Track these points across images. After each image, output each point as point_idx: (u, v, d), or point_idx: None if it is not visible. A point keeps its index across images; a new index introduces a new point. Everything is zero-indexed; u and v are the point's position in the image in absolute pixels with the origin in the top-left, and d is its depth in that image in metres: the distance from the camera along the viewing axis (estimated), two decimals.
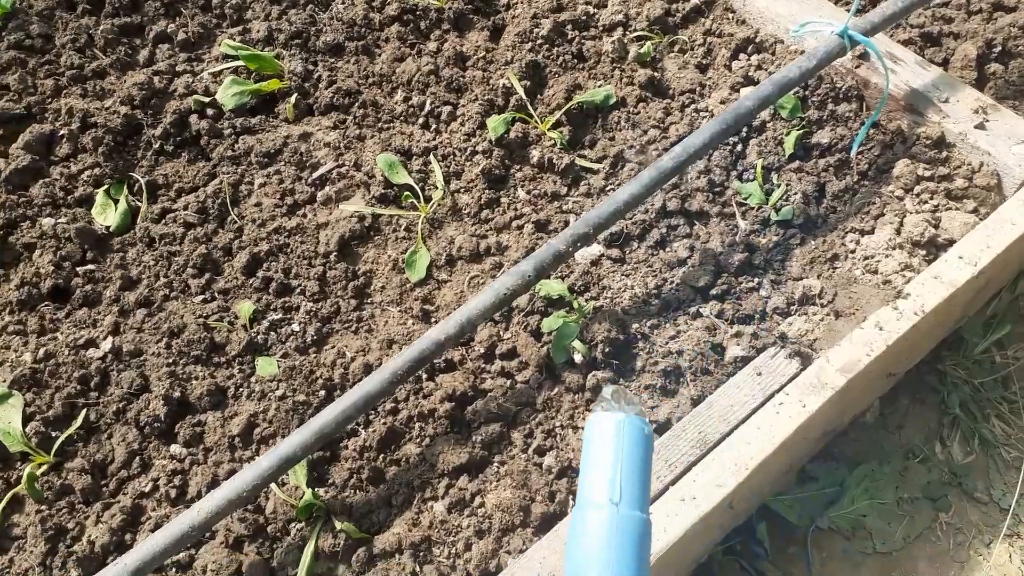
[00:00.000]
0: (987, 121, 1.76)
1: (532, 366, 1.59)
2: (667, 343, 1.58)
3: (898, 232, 1.68)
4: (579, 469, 0.98)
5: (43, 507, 1.50)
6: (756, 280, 1.66)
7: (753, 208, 1.78)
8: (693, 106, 1.96)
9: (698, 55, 2.06)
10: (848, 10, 1.81)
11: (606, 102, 1.97)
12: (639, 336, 1.61)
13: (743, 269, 1.68)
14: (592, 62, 2.06)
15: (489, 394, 1.56)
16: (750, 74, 1.97)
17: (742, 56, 2.03)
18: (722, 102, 1.94)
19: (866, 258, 1.65)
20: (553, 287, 1.63)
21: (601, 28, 2.11)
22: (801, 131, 1.86)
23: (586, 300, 1.66)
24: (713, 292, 1.65)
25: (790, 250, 1.72)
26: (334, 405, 1.37)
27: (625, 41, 2.06)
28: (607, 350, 1.57)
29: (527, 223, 1.80)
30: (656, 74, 2.01)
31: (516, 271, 1.45)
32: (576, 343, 1.57)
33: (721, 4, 2.11)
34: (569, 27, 2.11)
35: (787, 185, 1.80)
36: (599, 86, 2.01)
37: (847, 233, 1.72)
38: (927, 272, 1.55)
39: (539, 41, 2.08)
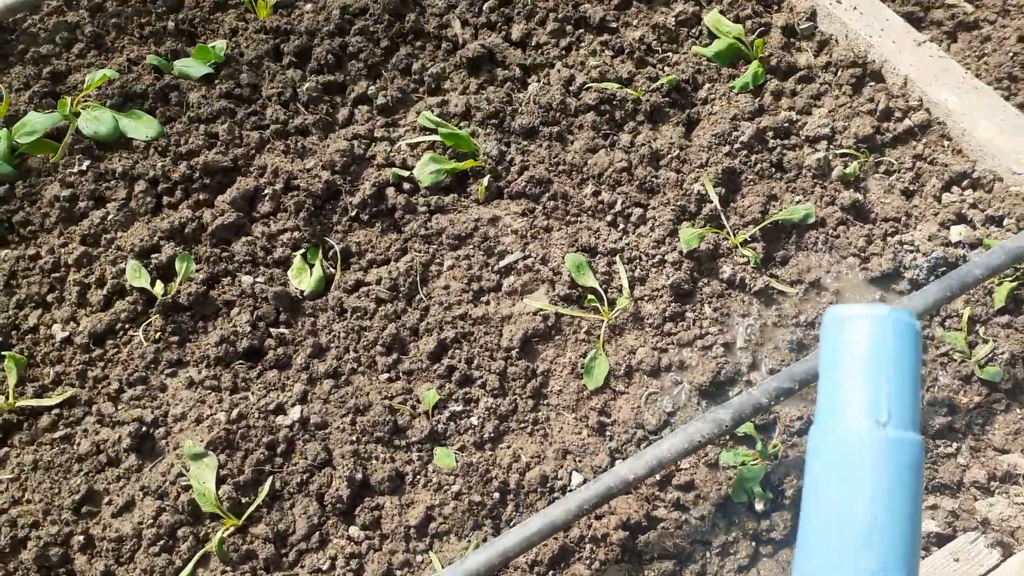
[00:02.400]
0: None
1: (708, 503, 1.64)
2: None
3: None
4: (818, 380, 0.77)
5: (228, 568, 1.65)
6: (955, 445, 1.66)
7: (955, 361, 1.78)
8: (897, 237, 1.96)
9: (905, 180, 2.06)
10: None
11: (804, 220, 2.00)
12: None
13: (941, 431, 1.68)
14: (792, 174, 2.09)
15: (662, 526, 1.62)
16: (963, 211, 1.96)
17: (955, 189, 2.02)
18: (929, 238, 1.94)
19: None
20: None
21: (804, 139, 2.14)
22: (1014, 283, 1.84)
23: (772, 444, 1.70)
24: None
25: (993, 415, 1.71)
26: (521, 528, 1.45)
27: (830, 157, 2.08)
28: (789, 503, 1.61)
29: (714, 344, 1.85)
30: (859, 195, 2.03)
31: (712, 418, 1.51)
32: (758, 488, 1.61)
33: (937, 130, 2.10)
34: (770, 134, 2.15)
35: (994, 341, 1.78)
36: (797, 201, 2.04)
37: None
38: None
39: (737, 146, 2.13)
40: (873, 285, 1.91)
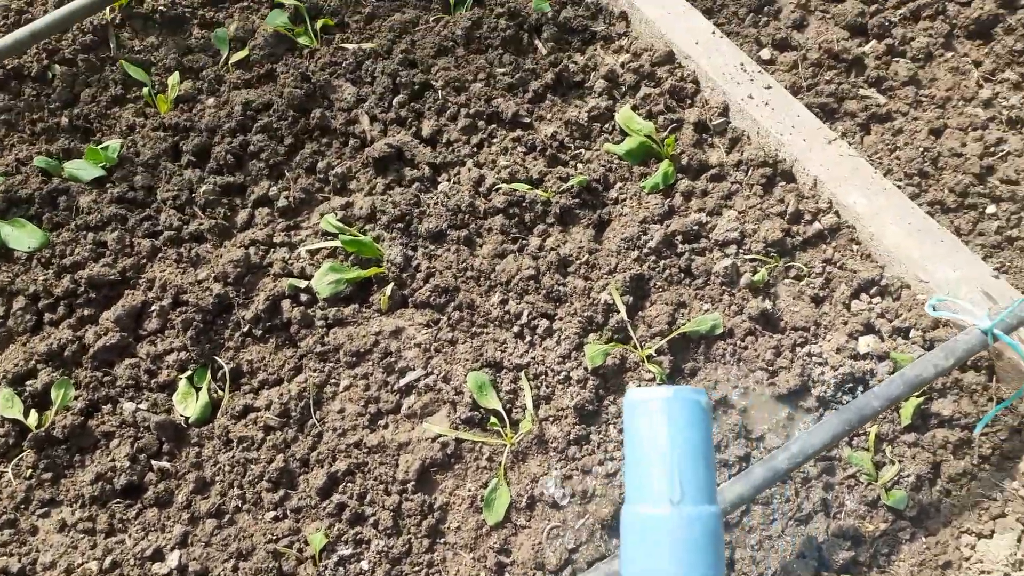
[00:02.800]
0: None
1: None
2: None
3: (1020, 542, 1.60)
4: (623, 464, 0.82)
5: None
6: None
7: (862, 484, 1.73)
8: (806, 348, 1.92)
9: (815, 285, 2.02)
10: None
11: (712, 331, 1.95)
12: None
13: (846, 566, 1.62)
14: (700, 281, 2.05)
15: None
16: (871, 321, 1.93)
17: (863, 296, 1.99)
18: (837, 350, 1.90)
19: (983, 573, 1.57)
20: None
21: (713, 243, 2.10)
22: (920, 398, 1.80)
23: None
24: None
25: (898, 545, 1.66)
26: None
27: (738, 263, 2.05)
28: None
29: (618, 470, 1.78)
30: (768, 304, 1.99)
31: (605, 570, 1.43)
32: None
33: (846, 234, 2.07)
34: (679, 238, 2.11)
35: (900, 462, 1.74)
36: (706, 310, 2.00)
37: (962, 534, 1.65)
38: None
39: (646, 251, 2.08)
40: (781, 402, 1.86)
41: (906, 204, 2.05)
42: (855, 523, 1.69)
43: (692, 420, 0.80)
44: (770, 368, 1.91)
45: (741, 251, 2.08)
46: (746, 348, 1.95)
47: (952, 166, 2.23)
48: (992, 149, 2.25)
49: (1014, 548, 1.60)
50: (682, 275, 2.07)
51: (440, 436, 1.83)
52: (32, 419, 1.88)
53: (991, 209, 2.16)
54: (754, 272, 2.03)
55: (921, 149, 2.26)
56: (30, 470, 1.84)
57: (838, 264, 2.05)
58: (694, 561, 0.75)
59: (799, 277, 2.05)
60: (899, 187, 2.17)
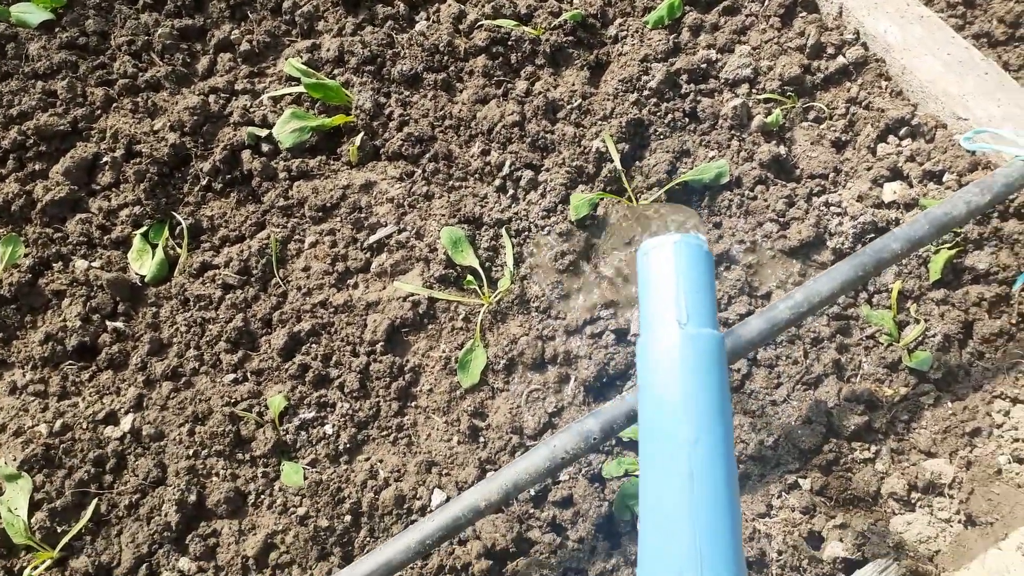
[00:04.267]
0: None
1: (589, 522, 1.45)
2: (753, 521, 1.41)
3: None
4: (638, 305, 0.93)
5: None
6: (873, 448, 1.47)
7: (881, 346, 1.57)
8: (823, 197, 1.73)
9: (837, 128, 1.82)
10: None
11: (717, 180, 1.77)
12: None
13: (858, 432, 1.48)
14: (707, 125, 1.85)
15: (534, 551, 1.44)
16: (899, 165, 1.73)
17: (891, 139, 1.78)
18: (859, 198, 1.71)
19: (1016, 440, 1.43)
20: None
21: (723, 82, 1.89)
22: (953, 250, 1.62)
23: None
24: (817, 459, 1.46)
25: (920, 411, 1.51)
26: (351, 570, 1.27)
27: (750, 104, 1.84)
28: None
29: (604, 331, 1.64)
30: (782, 149, 1.79)
31: (579, 430, 1.30)
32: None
33: (874, 68, 1.85)
34: (684, 78, 1.90)
35: (926, 321, 1.57)
36: (711, 158, 1.81)
37: (994, 399, 1.50)
38: None
39: (646, 93, 1.88)
40: (791, 257, 1.69)
41: (946, 34, 1.81)
42: (871, 387, 1.54)
43: (696, 260, 0.91)
44: (781, 219, 1.73)
45: (754, 91, 1.87)
46: (755, 198, 1.76)
47: None
48: None
49: None
50: (686, 119, 1.87)
51: (412, 295, 1.69)
52: None
53: None
54: (767, 114, 1.83)
55: None
56: None
57: (863, 103, 1.83)
58: (701, 377, 0.84)
59: (819, 119, 1.84)
60: (940, 18, 1.92)
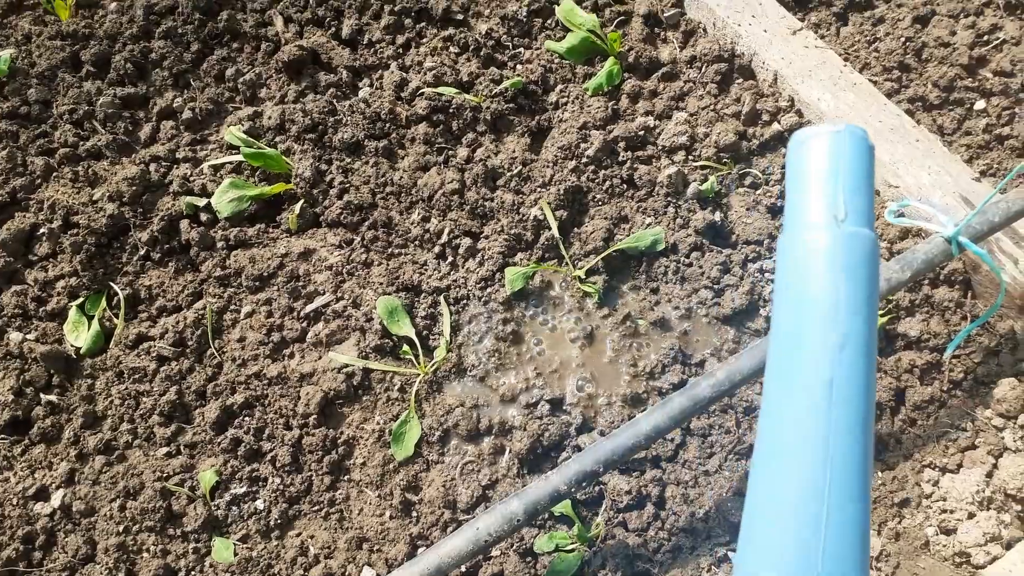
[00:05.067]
0: None
1: None
2: None
3: (989, 477, 1.50)
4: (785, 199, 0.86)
5: None
6: None
7: None
8: (758, 264, 1.79)
9: (772, 194, 1.88)
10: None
11: (653, 247, 1.82)
12: None
13: None
14: (644, 192, 1.91)
15: None
16: None
17: None
18: None
19: (944, 512, 1.47)
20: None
21: (660, 148, 1.96)
22: (885, 317, 1.68)
23: (595, 524, 1.53)
24: None
25: None
26: None
27: (685, 171, 1.90)
28: None
29: (539, 401, 1.68)
30: (717, 216, 1.85)
31: (503, 512, 1.34)
32: None
33: None
34: (622, 145, 1.96)
35: None
36: (648, 225, 1.86)
37: (924, 468, 1.54)
38: (1017, 553, 1.36)
39: (584, 160, 1.94)
40: (726, 324, 1.74)
41: (878, 101, 1.89)
42: None
43: (859, 153, 0.84)
44: (715, 285, 1.78)
45: (690, 157, 1.94)
46: (691, 265, 1.82)
47: (938, 58, 2.06)
48: (985, 37, 2.07)
49: (982, 484, 1.49)
50: (624, 186, 1.93)
51: (347, 366, 1.72)
52: None
53: (980, 105, 1.99)
54: (703, 181, 1.89)
55: (903, 39, 2.08)
56: None
57: None
58: (857, 278, 0.77)
59: (755, 185, 1.91)
60: (875, 83, 2.01)
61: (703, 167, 1.92)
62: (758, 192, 1.90)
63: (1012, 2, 2.12)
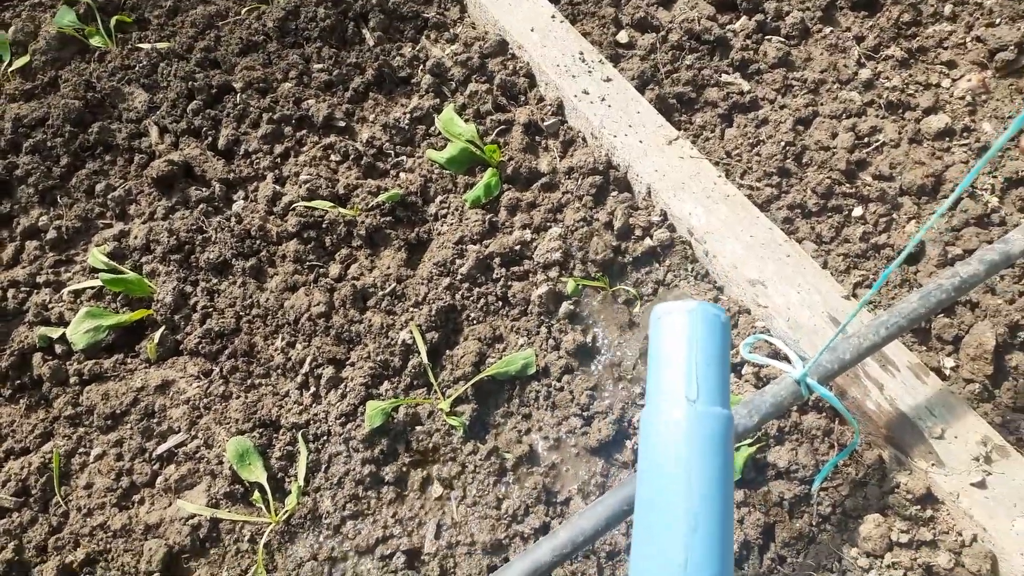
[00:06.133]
0: (989, 475, 1.47)
1: None
2: None
3: None
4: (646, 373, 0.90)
5: None
6: None
7: None
8: (630, 389, 1.71)
9: (646, 312, 1.80)
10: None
11: (524, 371, 1.74)
12: None
13: None
14: (517, 311, 1.83)
15: None
16: None
17: None
18: None
19: None
20: None
21: (536, 264, 1.88)
22: (754, 447, 1.59)
23: None
24: None
25: None
26: None
27: (557, 289, 1.82)
28: None
29: (396, 552, 1.57)
30: (588, 337, 1.77)
31: None
32: None
33: (680, 251, 1.85)
34: (497, 260, 1.88)
35: None
36: (521, 346, 1.78)
37: None
38: None
39: (459, 277, 1.86)
40: (594, 455, 1.65)
41: (751, 213, 1.83)
42: None
43: (712, 331, 0.86)
44: (584, 413, 1.69)
45: (565, 274, 1.86)
46: (562, 389, 1.73)
47: (818, 162, 2.01)
48: (866, 139, 2.03)
49: None
50: (499, 303, 1.85)
51: (195, 515, 1.61)
52: None
53: (858, 212, 1.94)
54: (575, 301, 1.81)
55: (783, 143, 2.03)
56: None
57: (671, 286, 1.83)
58: (707, 457, 0.80)
59: (629, 302, 1.83)
60: (756, 188, 1.95)
61: (577, 284, 1.84)
62: (632, 310, 1.82)
63: (894, 101, 2.08)
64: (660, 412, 0.83)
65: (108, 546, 1.60)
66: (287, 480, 1.66)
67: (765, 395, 1.38)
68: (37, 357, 1.82)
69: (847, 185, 1.96)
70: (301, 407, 1.74)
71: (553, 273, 1.86)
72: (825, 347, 1.32)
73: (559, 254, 1.86)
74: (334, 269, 1.92)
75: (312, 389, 1.77)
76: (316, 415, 1.72)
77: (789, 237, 1.81)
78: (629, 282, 1.85)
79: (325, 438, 1.70)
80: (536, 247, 1.90)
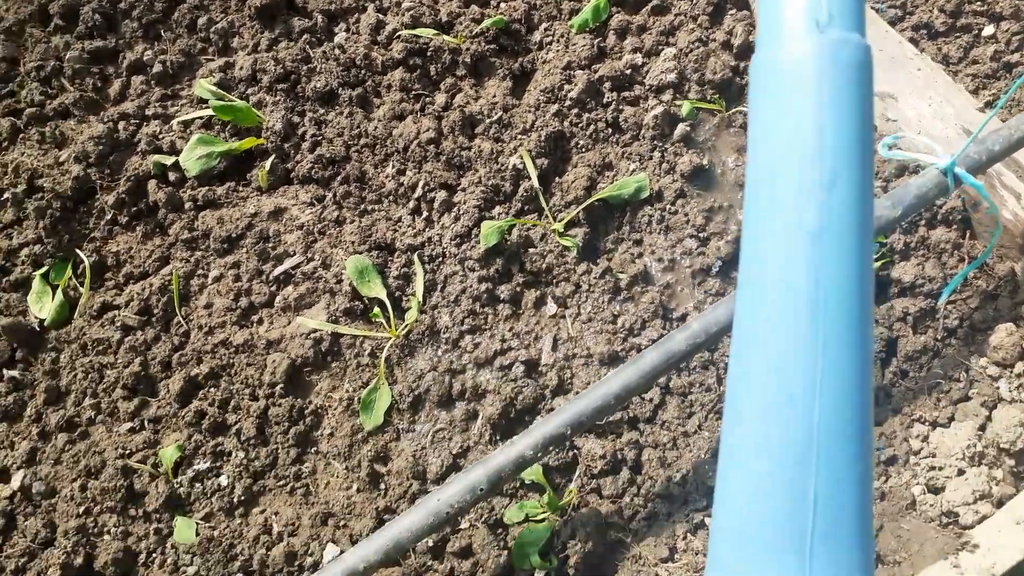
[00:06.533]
0: None
1: (488, 574, 1.39)
2: (655, 566, 1.34)
3: (982, 431, 1.36)
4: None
5: None
6: None
7: None
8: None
9: None
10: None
11: (637, 195, 1.69)
12: (623, 550, 1.38)
13: None
14: (629, 136, 1.77)
15: None
16: None
17: None
18: None
19: (932, 469, 1.35)
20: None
21: (647, 88, 1.80)
22: (879, 262, 1.53)
23: (568, 492, 1.43)
24: None
25: None
26: None
27: (672, 112, 1.75)
28: (579, 570, 1.36)
29: (514, 363, 1.57)
30: (705, 160, 1.70)
31: (465, 482, 1.24)
32: (536, 557, 1.36)
33: None
34: (608, 85, 1.81)
35: None
36: (632, 171, 1.72)
37: (913, 422, 1.41)
38: (1006, 513, 1.24)
39: (567, 103, 1.80)
40: (710, 276, 1.61)
41: (879, 27, 1.71)
42: None
43: None
44: (700, 235, 1.64)
45: (679, 96, 1.78)
46: (676, 213, 1.68)
47: None
48: None
49: (973, 439, 1.36)
50: (609, 130, 1.79)
51: (316, 331, 1.63)
52: None
53: (988, 31, 1.80)
54: (691, 122, 1.74)
55: None
56: None
57: None
58: (844, 102, 0.59)
59: (745, 126, 1.75)
60: (877, 10, 1.82)
61: (692, 107, 1.76)
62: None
63: None
64: (778, 45, 0.62)
65: (231, 361, 1.64)
66: (404, 299, 1.66)
67: (909, 187, 1.31)
68: (152, 184, 1.83)
69: (977, 3, 1.81)
70: (415, 230, 1.72)
71: (666, 96, 1.78)
72: (973, 136, 1.24)
73: (673, 75, 1.78)
74: (440, 98, 1.87)
75: (424, 214, 1.75)
76: (430, 238, 1.71)
77: (920, 51, 1.69)
78: (747, 105, 1.76)
79: (440, 259, 1.69)
80: (648, 71, 1.82)
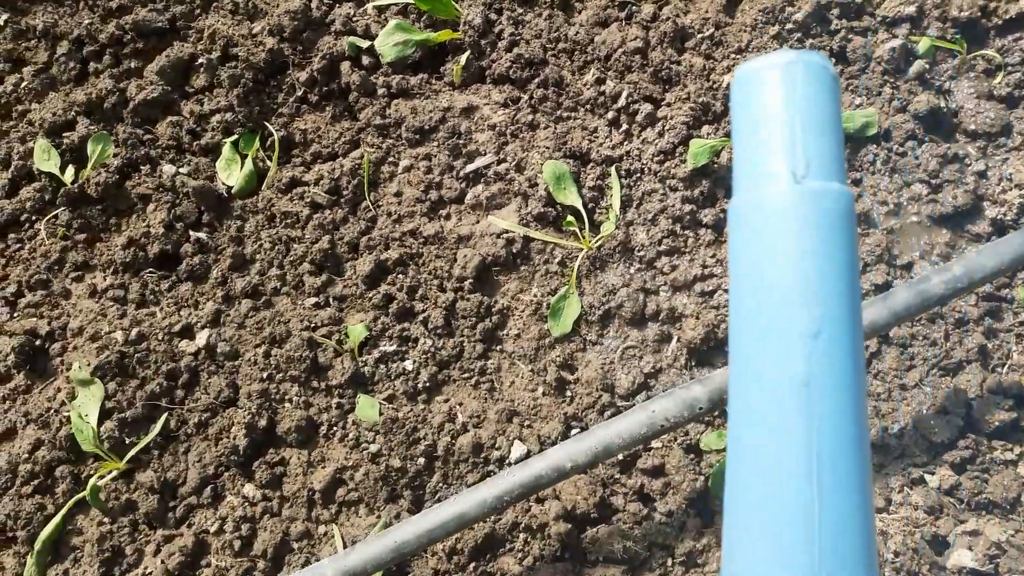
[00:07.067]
0: None
1: (681, 496, 1.33)
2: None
3: None
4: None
5: (106, 520, 1.46)
6: (1019, 449, 1.30)
7: None
8: (985, 161, 1.53)
9: (1011, 82, 1.59)
10: None
11: (863, 131, 1.58)
12: None
13: (1003, 429, 1.31)
14: (856, 68, 1.65)
15: (616, 519, 1.33)
16: None
17: None
18: None
19: None
20: None
21: (880, 20, 1.68)
22: None
23: None
24: (950, 455, 1.30)
25: None
26: (421, 518, 1.19)
27: (909, 46, 1.63)
28: None
29: (717, 290, 1.50)
30: (943, 102, 1.59)
31: (684, 396, 1.18)
32: None
33: None
34: (835, 12, 1.69)
35: None
36: (857, 105, 1.61)
37: None
38: None
39: (789, 26, 1.69)
40: (940, 225, 1.50)
41: None
42: (1021, 380, 1.36)
43: (819, 88, 0.64)
44: (933, 182, 1.53)
45: (916, 32, 1.65)
46: (904, 155, 1.57)
47: None
48: None
49: None
50: (833, 60, 1.67)
51: (507, 232, 1.58)
52: (68, 174, 1.75)
53: None
54: (929, 59, 1.61)
55: None
56: (63, 229, 1.72)
57: None
58: (826, 250, 0.60)
59: (990, 71, 1.62)
60: None
61: (931, 45, 1.63)
62: (995, 80, 1.61)
63: None
64: (757, 193, 0.62)
65: (420, 250, 1.60)
66: (597, 211, 1.59)
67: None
68: (346, 66, 1.79)
69: None
70: (612, 142, 1.65)
71: (902, 30, 1.65)
72: None
73: (913, 8, 1.65)
74: (647, 8, 1.78)
75: (624, 126, 1.67)
76: (628, 151, 1.64)
77: None
78: (992, 48, 1.63)
79: (638, 174, 1.61)
80: (883, 1, 1.69)
